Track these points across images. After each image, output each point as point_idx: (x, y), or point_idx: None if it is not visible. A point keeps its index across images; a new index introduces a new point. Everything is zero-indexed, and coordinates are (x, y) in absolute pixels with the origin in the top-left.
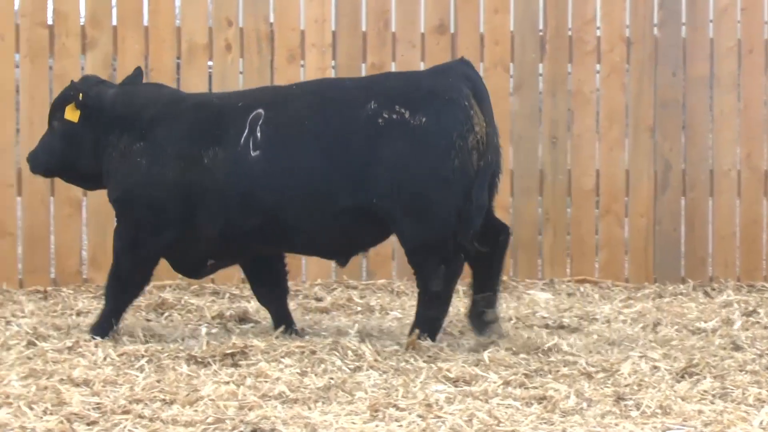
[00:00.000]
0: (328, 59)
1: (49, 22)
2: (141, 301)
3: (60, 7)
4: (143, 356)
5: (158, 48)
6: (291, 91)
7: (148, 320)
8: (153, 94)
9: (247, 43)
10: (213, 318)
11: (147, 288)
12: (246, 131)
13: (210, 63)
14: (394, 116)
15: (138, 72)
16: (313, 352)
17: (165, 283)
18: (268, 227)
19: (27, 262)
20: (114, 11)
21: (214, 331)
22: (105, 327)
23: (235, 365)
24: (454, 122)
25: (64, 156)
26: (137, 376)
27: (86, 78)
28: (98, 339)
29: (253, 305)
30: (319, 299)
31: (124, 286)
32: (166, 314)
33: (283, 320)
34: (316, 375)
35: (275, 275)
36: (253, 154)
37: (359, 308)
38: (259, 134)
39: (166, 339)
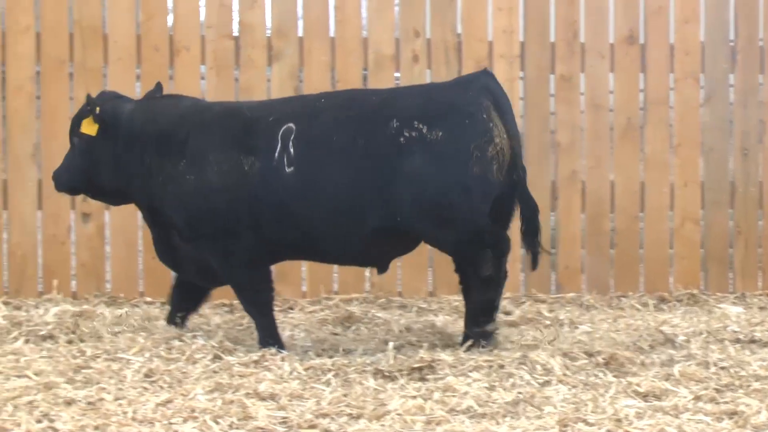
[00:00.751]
0: (516, 70)
1: (235, 33)
2: (328, 314)
3: (246, 18)
4: (330, 370)
5: (345, 59)
6: (319, 104)
7: (335, 334)
8: (176, 108)
9: (435, 54)
10: (400, 331)
11: (322, 302)
12: (279, 146)
13: (397, 74)
14: (414, 133)
15: (158, 87)
16: (502, 366)
17: (352, 296)
18: (300, 242)
19: None
20: (300, 23)
21: (400, 344)
22: (271, 339)
23: (423, 379)
24: (471, 135)
25: (86, 172)
26: (324, 390)
27: (103, 93)
28: (284, 352)
29: (440, 318)
30: (507, 313)
31: (253, 295)
32: (353, 327)
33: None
34: (504, 389)
35: (202, 291)
36: (287, 169)
37: (548, 322)
38: (291, 149)
39: (352, 353)
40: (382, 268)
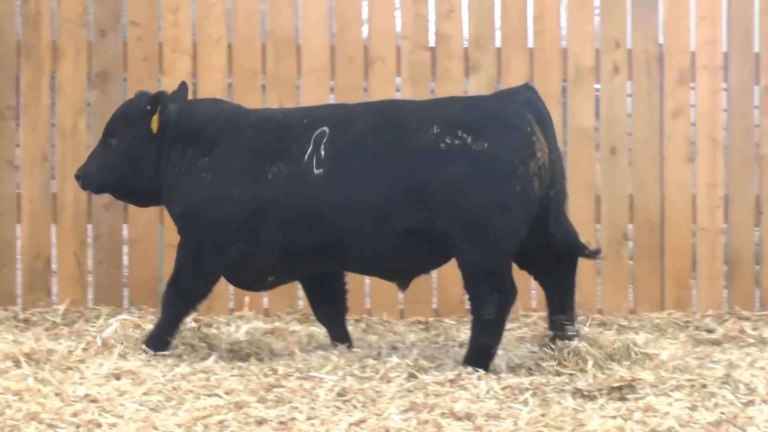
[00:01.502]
0: (719, 81)
1: (431, 44)
2: (526, 332)
3: (442, 28)
4: (527, 389)
5: (543, 70)
6: (356, 110)
7: (533, 352)
8: (214, 110)
9: (636, 65)
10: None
11: (520, 319)
12: (310, 148)
13: (597, 86)
14: (456, 141)
15: (183, 87)
16: (704, 386)
17: None
18: (327, 245)
19: (408, 292)
20: (498, 33)
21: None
22: (161, 338)
23: (623, 399)
24: (516, 148)
25: (124, 172)
26: (521, 410)
27: (144, 93)
28: (153, 351)
29: (641, 336)
30: (710, 331)
31: (183, 298)
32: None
33: (340, 338)
34: (706, 409)
35: (335, 294)
36: (316, 171)
37: (752, 340)
38: (323, 152)
39: (550, 371)
40: (404, 284)
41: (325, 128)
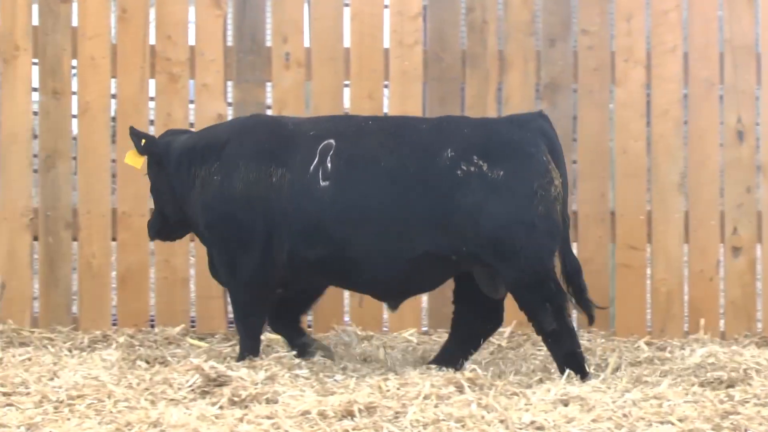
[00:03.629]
0: None
1: None
2: None
3: None
4: None
5: None
6: (366, 125)
7: None
8: (221, 124)
9: None
10: None
11: None
12: (316, 160)
13: None
14: (473, 168)
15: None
16: None
17: None
18: (333, 261)
19: None
20: None
21: None
22: (244, 356)
23: None
24: (534, 174)
25: (161, 212)
26: None
27: (167, 132)
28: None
29: None
30: None
31: (244, 316)
32: None
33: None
34: None
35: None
36: (322, 184)
37: None
38: (329, 165)
39: None
40: (395, 305)
41: (332, 141)
